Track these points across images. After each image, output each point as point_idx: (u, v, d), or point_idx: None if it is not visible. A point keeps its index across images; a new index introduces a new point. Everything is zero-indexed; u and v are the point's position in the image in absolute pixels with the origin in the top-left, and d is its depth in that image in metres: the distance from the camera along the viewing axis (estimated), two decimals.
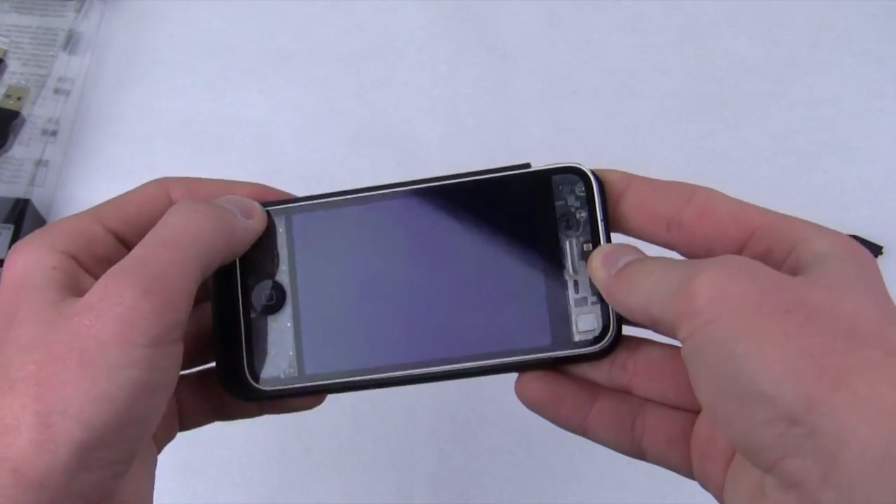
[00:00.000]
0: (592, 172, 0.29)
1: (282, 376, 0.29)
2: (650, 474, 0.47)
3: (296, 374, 0.29)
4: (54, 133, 0.56)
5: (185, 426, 0.31)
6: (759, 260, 0.25)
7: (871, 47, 0.61)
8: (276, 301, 0.29)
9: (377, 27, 0.62)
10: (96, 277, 0.26)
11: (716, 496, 0.27)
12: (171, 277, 0.24)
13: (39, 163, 0.55)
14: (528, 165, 0.30)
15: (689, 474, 0.28)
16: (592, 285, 0.28)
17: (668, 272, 0.24)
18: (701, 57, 0.61)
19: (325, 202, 0.30)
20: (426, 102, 0.59)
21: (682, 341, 0.23)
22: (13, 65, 0.57)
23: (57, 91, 0.57)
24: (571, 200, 0.29)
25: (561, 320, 0.28)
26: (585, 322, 0.28)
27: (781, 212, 0.27)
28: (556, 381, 0.29)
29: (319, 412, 0.49)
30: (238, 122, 0.58)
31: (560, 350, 0.28)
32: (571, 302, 0.28)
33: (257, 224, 0.29)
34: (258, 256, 0.30)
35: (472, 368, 0.29)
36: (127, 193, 0.29)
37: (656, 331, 0.25)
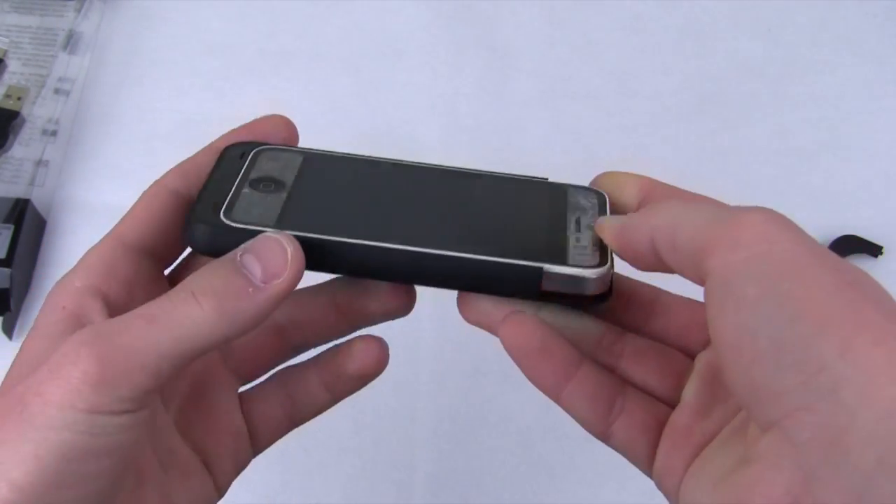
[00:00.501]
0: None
1: (256, 221, 0.27)
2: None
3: (271, 224, 0.27)
4: (54, 133, 0.56)
5: (260, 446, 0.31)
6: None
7: (871, 47, 0.61)
8: (273, 189, 0.28)
9: (377, 27, 0.62)
10: (122, 303, 0.26)
11: (669, 493, 0.26)
12: (137, 353, 0.23)
13: (39, 163, 0.55)
14: (545, 179, 0.30)
15: (648, 467, 0.28)
16: (595, 242, 0.27)
17: (699, 205, 0.24)
18: (701, 57, 0.61)
19: (351, 156, 0.30)
20: (426, 102, 0.59)
21: (711, 271, 0.22)
22: (13, 65, 0.57)
23: (57, 91, 0.57)
24: (583, 201, 0.29)
25: (557, 249, 0.27)
26: (582, 256, 0.27)
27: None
28: (547, 331, 0.28)
29: None
30: (238, 122, 0.58)
31: (553, 264, 0.27)
32: (571, 240, 0.28)
33: (284, 285, 0.25)
34: (269, 166, 0.29)
35: (456, 263, 0.27)
36: (135, 206, 0.28)
37: (661, 268, 0.25)
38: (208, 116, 0.58)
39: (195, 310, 0.24)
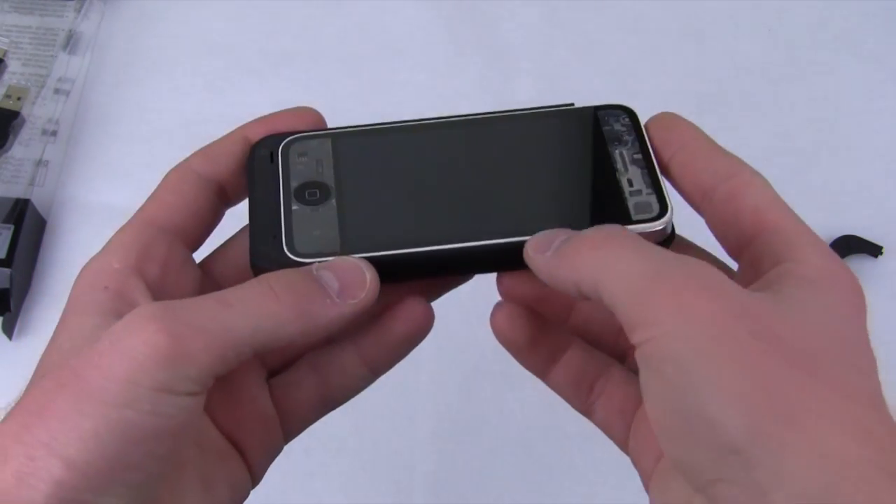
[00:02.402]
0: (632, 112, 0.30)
1: (322, 249, 0.26)
2: None
3: (337, 249, 0.26)
4: (54, 133, 0.56)
5: (292, 432, 0.30)
6: (749, 264, 0.25)
7: (871, 47, 0.61)
8: (320, 196, 0.28)
9: (377, 27, 0.62)
10: (159, 286, 0.25)
11: (643, 480, 0.27)
12: (208, 334, 0.22)
13: (39, 163, 0.55)
14: (572, 104, 0.30)
15: (624, 447, 0.28)
16: (647, 179, 0.27)
17: (626, 256, 0.23)
18: (701, 57, 0.61)
19: (376, 127, 0.30)
20: (426, 102, 0.59)
21: (635, 343, 0.22)
22: (13, 65, 0.57)
23: (57, 91, 0.57)
24: (617, 126, 0.29)
25: (618, 204, 0.27)
26: (641, 205, 0.27)
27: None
28: (535, 323, 0.28)
29: None
30: (238, 122, 0.58)
31: (620, 222, 0.26)
32: (626, 193, 0.27)
33: (359, 304, 0.25)
34: (305, 163, 0.29)
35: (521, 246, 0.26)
36: (163, 190, 0.28)
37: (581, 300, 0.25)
38: (208, 116, 0.58)
39: (273, 303, 0.23)
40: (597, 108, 0.30)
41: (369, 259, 0.26)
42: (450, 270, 0.28)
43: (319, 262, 0.26)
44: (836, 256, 0.24)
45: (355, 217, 0.27)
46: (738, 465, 0.19)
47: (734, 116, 0.59)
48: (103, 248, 0.26)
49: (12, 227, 0.51)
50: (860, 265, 0.53)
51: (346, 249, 0.26)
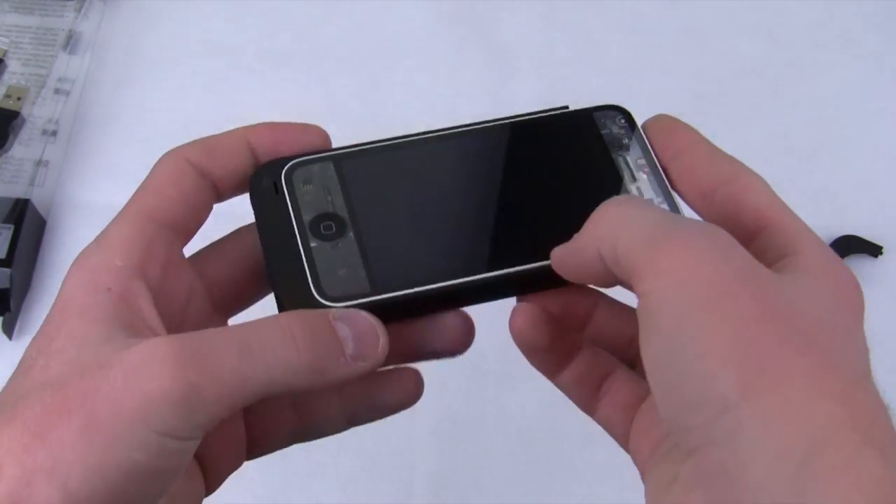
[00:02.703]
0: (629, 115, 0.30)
1: (352, 291, 0.26)
2: None
3: (367, 289, 0.26)
4: (54, 133, 0.56)
5: (255, 455, 0.30)
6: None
7: (871, 47, 0.61)
8: (336, 230, 0.27)
9: (377, 27, 0.62)
10: (158, 285, 0.25)
11: (641, 473, 0.27)
12: (224, 385, 0.22)
13: (39, 163, 0.55)
14: (566, 107, 0.30)
15: (626, 446, 0.28)
16: (656, 187, 0.28)
17: (643, 214, 0.23)
18: (701, 57, 0.61)
19: (374, 146, 0.29)
20: (426, 102, 0.59)
21: (638, 295, 0.22)
22: (13, 65, 0.57)
23: (57, 91, 0.57)
24: (616, 129, 0.29)
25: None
26: None
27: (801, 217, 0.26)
28: (553, 327, 0.28)
29: None
30: (238, 122, 0.58)
31: None
32: (633, 193, 0.28)
33: (367, 367, 0.25)
34: (312, 192, 0.28)
35: (544, 270, 0.27)
36: (160, 181, 0.27)
37: (610, 281, 0.25)
38: (208, 116, 0.58)
39: (292, 354, 0.23)
40: (593, 111, 0.30)
41: (403, 297, 0.26)
42: (476, 300, 0.28)
43: (342, 306, 0.25)
44: (836, 256, 0.24)
45: (378, 253, 0.27)
46: (729, 427, 0.19)
47: (734, 116, 0.59)
48: (102, 241, 0.25)
49: (12, 227, 0.51)
50: (860, 265, 0.53)
51: (376, 290, 0.26)
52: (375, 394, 0.30)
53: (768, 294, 0.21)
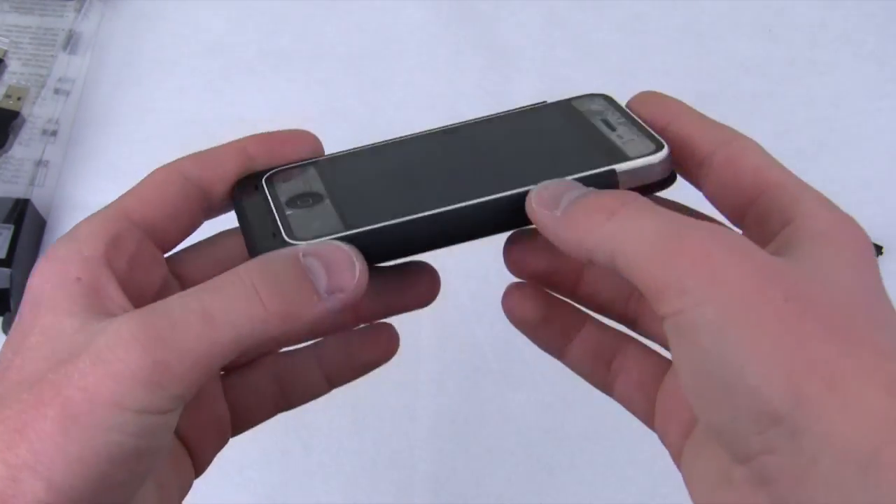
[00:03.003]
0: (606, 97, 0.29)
1: (324, 231, 0.25)
2: (651, 474, 0.47)
3: (341, 227, 0.25)
4: (54, 133, 0.56)
5: (241, 429, 0.30)
6: (755, 223, 0.25)
7: (871, 47, 0.61)
8: (313, 201, 0.27)
9: (377, 27, 0.62)
10: (127, 279, 0.24)
11: (672, 456, 0.26)
12: (192, 354, 0.21)
13: (39, 163, 0.55)
14: (545, 102, 0.30)
15: (649, 424, 0.28)
16: (635, 132, 0.27)
17: (642, 218, 0.22)
18: (701, 57, 0.61)
19: (359, 148, 0.29)
20: (426, 102, 0.59)
21: (663, 315, 0.21)
22: (13, 65, 0.57)
23: (57, 91, 0.57)
24: (596, 107, 0.29)
25: (612, 149, 0.27)
26: (635, 145, 0.27)
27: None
28: (546, 300, 0.28)
29: (319, 412, 0.49)
30: (238, 122, 0.58)
31: (620, 163, 0.26)
32: (618, 141, 0.27)
33: (346, 299, 0.23)
34: (291, 184, 0.27)
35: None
36: (145, 186, 0.26)
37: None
38: (208, 116, 0.58)
39: (258, 310, 0.22)
40: (571, 98, 0.30)
41: (378, 230, 0.25)
42: (456, 236, 0.26)
43: (310, 244, 0.24)
44: (839, 209, 0.24)
45: (353, 202, 0.26)
46: (784, 435, 0.19)
47: (734, 116, 0.58)
48: (69, 235, 0.25)
49: (12, 227, 0.51)
50: None
51: (349, 225, 0.25)
52: (352, 352, 0.30)
53: (798, 288, 0.20)
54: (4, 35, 0.58)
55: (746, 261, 0.21)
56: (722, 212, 0.26)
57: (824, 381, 0.19)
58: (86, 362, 0.21)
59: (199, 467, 0.29)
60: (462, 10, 0.63)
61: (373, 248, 0.25)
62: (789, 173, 0.25)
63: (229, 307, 0.22)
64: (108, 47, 0.61)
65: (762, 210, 0.24)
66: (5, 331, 0.50)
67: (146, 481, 0.24)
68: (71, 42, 0.59)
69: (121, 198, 0.26)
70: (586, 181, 0.25)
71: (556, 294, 0.29)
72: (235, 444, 0.49)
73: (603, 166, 0.26)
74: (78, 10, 0.60)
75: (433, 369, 0.50)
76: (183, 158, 0.27)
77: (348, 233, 0.25)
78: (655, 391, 0.27)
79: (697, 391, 0.21)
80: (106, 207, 0.26)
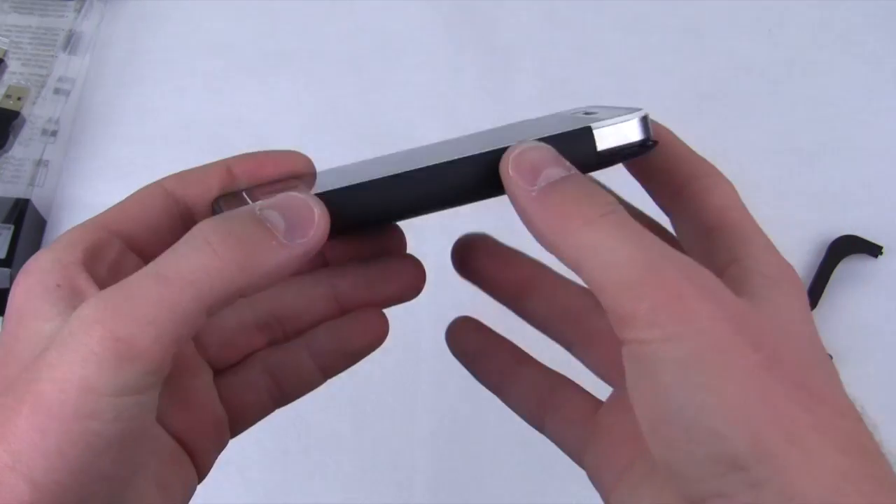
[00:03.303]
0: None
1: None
2: None
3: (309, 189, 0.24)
4: (54, 133, 0.56)
5: (241, 429, 0.29)
6: (705, 252, 0.25)
7: (871, 47, 0.61)
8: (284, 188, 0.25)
9: (377, 27, 0.62)
10: (104, 284, 0.23)
11: (603, 493, 0.26)
12: (155, 324, 0.21)
13: (39, 163, 0.55)
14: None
15: (579, 461, 0.28)
16: (613, 111, 0.26)
17: (619, 236, 0.21)
18: (701, 57, 0.61)
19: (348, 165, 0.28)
20: (426, 102, 0.59)
21: (625, 340, 0.21)
22: (13, 65, 0.57)
23: (57, 91, 0.57)
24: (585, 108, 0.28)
25: (590, 119, 0.25)
26: (615, 114, 0.25)
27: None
28: (487, 335, 0.29)
29: (319, 412, 0.49)
30: (238, 122, 0.58)
31: (597, 121, 0.25)
32: (596, 113, 0.26)
33: (308, 245, 0.23)
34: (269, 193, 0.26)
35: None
36: (127, 201, 0.26)
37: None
38: (208, 116, 0.58)
39: (211, 259, 0.21)
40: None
41: (343, 190, 0.24)
42: (426, 197, 0.25)
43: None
44: (778, 253, 0.24)
45: (325, 184, 0.25)
46: (743, 483, 0.19)
47: (734, 116, 0.59)
48: (49, 246, 0.24)
49: (12, 227, 0.51)
50: (860, 265, 0.53)
51: (319, 189, 0.24)
52: (342, 339, 0.29)
53: (763, 336, 0.20)
54: (4, 35, 0.58)
55: (719, 304, 0.20)
56: (676, 234, 0.27)
57: (786, 436, 0.19)
58: (52, 353, 0.21)
59: (200, 470, 0.28)
60: (462, 10, 0.63)
61: (342, 210, 0.24)
62: (750, 217, 0.25)
63: (182, 264, 0.21)
64: (108, 47, 0.61)
65: (714, 244, 0.24)
66: None
67: (138, 476, 0.23)
68: (71, 42, 0.59)
69: (102, 212, 0.26)
70: (562, 139, 0.24)
71: (492, 330, 0.31)
72: (235, 444, 0.49)
73: (580, 125, 0.25)
74: (78, 10, 0.60)
75: (433, 369, 0.50)
76: (168, 176, 0.27)
77: (318, 192, 0.24)
78: (585, 429, 0.28)
79: (652, 424, 0.21)
80: (88, 219, 0.26)
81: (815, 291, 0.52)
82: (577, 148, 0.24)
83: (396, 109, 0.59)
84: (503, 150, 0.24)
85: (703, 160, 0.27)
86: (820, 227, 0.54)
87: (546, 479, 0.48)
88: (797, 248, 0.54)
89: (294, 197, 0.23)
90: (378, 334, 0.29)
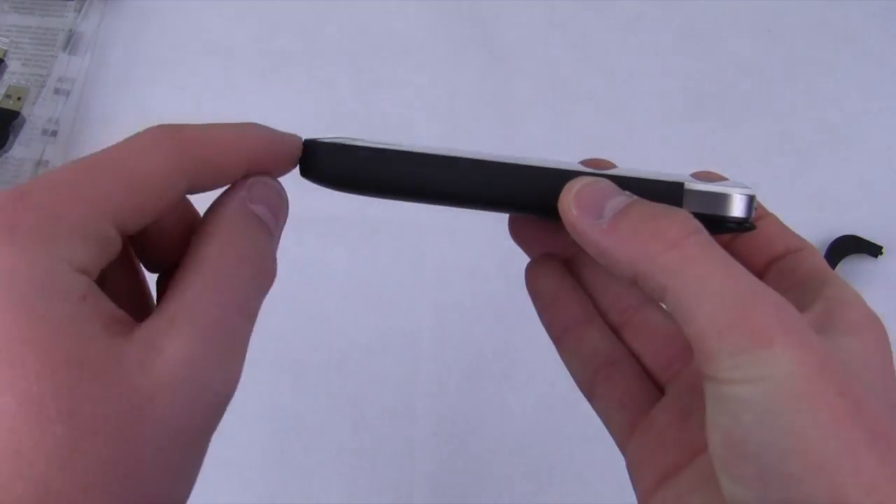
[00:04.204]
0: None
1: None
2: None
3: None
4: (54, 133, 0.56)
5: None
6: (779, 280, 0.25)
7: (871, 47, 0.61)
8: None
9: (377, 27, 0.62)
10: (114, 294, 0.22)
11: (638, 495, 0.26)
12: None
13: (39, 163, 0.55)
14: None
15: (621, 446, 0.27)
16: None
17: (708, 262, 0.21)
18: (701, 57, 0.61)
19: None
20: (426, 102, 0.59)
21: (708, 374, 0.21)
22: (13, 65, 0.57)
23: (57, 91, 0.57)
24: None
25: (686, 180, 0.24)
26: (718, 185, 0.24)
27: (773, 210, 0.26)
28: (564, 281, 0.28)
29: (319, 412, 0.49)
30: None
31: (692, 183, 0.23)
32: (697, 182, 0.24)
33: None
34: None
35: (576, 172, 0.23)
36: (123, 153, 0.22)
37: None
38: (208, 116, 0.58)
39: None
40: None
41: (380, 149, 0.24)
42: (473, 195, 0.24)
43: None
44: (868, 305, 0.24)
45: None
46: None
47: (734, 116, 0.59)
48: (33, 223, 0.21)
49: None
50: (860, 265, 0.53)
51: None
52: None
53: (850, 382, 0.20)
54: (4, 35, 0.58)
55: (806, 348, 0.20)
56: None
57: (866, 488, 0.19)
58: None
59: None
60: (462, 9, 0.63)
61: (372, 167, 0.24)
62: (834, 272, 0.25)
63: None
64: (108, 47, 0.61)
65: (801, 290, 0.24)
66: None
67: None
68: (71, 42, 0.59)
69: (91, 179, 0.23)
70: (645, 185, 0.23)
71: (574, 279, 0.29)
72: (235, 444, 0.49)
73: (673, 180, 0.23)
74: (78, 10, 0.60)
75: (433, 369, 0.50)
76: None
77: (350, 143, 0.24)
78: (634, 415, 0.27)
79: (726, 460, 0.21)
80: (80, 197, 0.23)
81: None
82: (662, 199, 0.23)
83: (396, 109, 0.59)
84: (563, 172, 0.23)
85: (798, 236, 0.26)
86: (820, 227, 0.54)
87: (546, 480, 0.48)
88: None
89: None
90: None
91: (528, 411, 0.50)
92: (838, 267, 0.53)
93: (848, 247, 0.53)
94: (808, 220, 0.55)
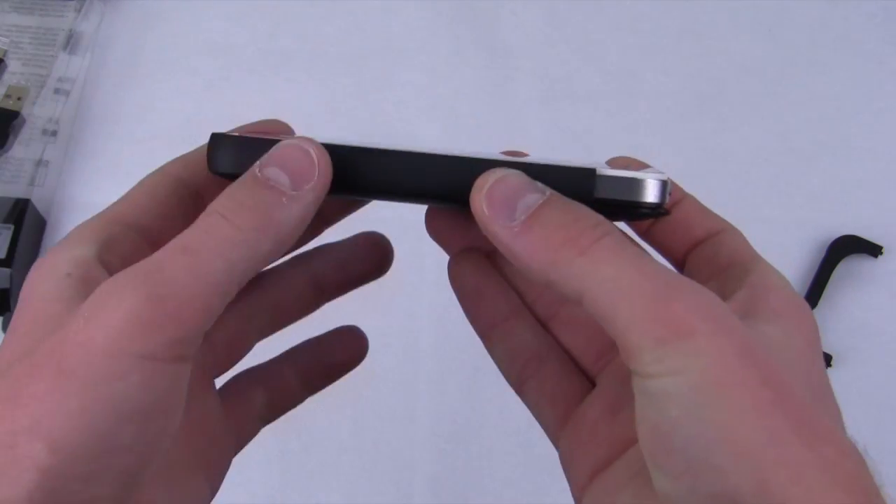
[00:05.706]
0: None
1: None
2: None
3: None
4: (54, 133, 0.56)
5: (240, 446, 0.29)
6: (702, 267, 0.25)
7: (871, 47, 0.61)
8: None
9: (377, 27, 0.62)
10: None
11: (574, 483, 0.26)
12: (185, 286, 0.20)
13: (39, 163, 0.55)
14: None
15: (553, 440, 0.27)
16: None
17: (619, 263, 0.21)
18: (701, 57, 0.61)
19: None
20: (426, 102, 0.59)
21: (634, 370, 0.21)
22: (13, 65, 0.57)
23: (57, 91, 0.57)
24: None
25: (601, 166, 0.24)
26: (630, 170, 0.24)
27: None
28: (487, 275, 0.28)
29: (319, 412, 0.49)
30: (238, 123, 0.58)
31: (604, 169, 0.23)
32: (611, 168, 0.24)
33: (317, 188, 0.22)
34: None
35: (501, 166, 0.23)
36: (134, 191, 0.26)
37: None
38: (208, 116, 0.58)
39: (231, 231, 0.21)
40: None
41: (334, 146, 0.23)
42: (402, 183, 0.24)
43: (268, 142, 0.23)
44: (794, 290, 0.24)
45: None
46: None
47: (734, 116, 0.59)
48: (60, 241, 0.24)
49: (12, 227, 0.51)
50: (860, 265, 0.53)
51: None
52: (324, 356, 0.30)
53: (773, 374, 0.20)
54: (4, 35, 0.58)
55: (728, 336, 0.20)
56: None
57: (792, 476, 0.19)
58: (78, 322, 0.20)
59: (214, 488, 0.28)
60: (462, 9, 0.63)
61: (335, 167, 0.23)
62: (759, 256, 0.24)
63: (205, 238, 0.21)
64: (108, 47, 0.61)
65: (724, 278, 0.24)
66: (5, 330, 0.50)
67: (151, 470, 0.22)
68: (71, 42, 0.59)
69: (112, 204, 0.26)
70: (558, 173, 0.23)
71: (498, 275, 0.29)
72: None
73: (585, 165, 0.23)
74: (78, 10, 0.60)
75: (433, 369, 0.50)
76: (171, 161, 0.27)
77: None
78: (566, 409, 0.27)
79: (655, 453, 0.21)
80: (98, 213, 0.25)
81: (815, 291, 0.52)
82: (573, 189, 0.23)
83: (396, 109, 0.59)
84: (475, 160, 0.23)
85: (718, 217, 0.26)
86: (820, 227, 0.54)
87: (546, 479, 0.48)
88: (797, 248, 0.54)
89: (287, 145, 0.23)
90: (357, 351, 0.31)
91: (527, 411, 0.50)
92: (839, 267, 0.53)
93: (848, 247, 0.53)
94: (808, 220, 0.55)
